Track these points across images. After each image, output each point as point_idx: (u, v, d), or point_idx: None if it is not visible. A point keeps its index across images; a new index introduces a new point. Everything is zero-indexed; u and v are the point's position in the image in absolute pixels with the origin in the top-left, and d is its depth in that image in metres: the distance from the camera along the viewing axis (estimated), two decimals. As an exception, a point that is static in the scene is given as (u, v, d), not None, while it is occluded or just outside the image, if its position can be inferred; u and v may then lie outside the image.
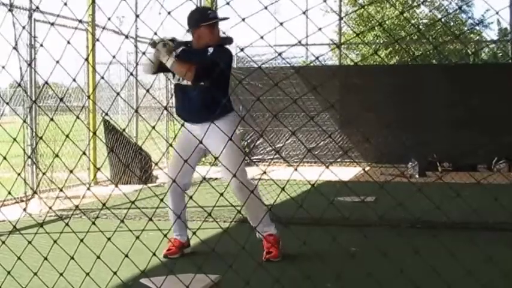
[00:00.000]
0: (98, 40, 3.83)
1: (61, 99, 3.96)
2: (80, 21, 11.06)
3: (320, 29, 3.68)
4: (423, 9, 24.55)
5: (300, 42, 3.90)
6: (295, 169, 3.56)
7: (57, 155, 4.13)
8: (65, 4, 3.71)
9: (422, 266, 4.92)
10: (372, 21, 23.09)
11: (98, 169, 5.54)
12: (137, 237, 3.83)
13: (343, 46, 19.82)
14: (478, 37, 24.77)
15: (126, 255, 3.85)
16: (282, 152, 15.60)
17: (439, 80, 14.71)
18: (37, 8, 8.83)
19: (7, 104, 5.52)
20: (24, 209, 8.03)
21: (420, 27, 24.29)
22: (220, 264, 4.42)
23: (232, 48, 6.72)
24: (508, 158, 14.04)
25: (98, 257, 3.93)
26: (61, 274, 4.14)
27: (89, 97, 9.53)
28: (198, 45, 5.88)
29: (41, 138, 4.32)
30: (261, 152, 15.96)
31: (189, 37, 6.00)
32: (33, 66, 9.60)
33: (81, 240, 3.99)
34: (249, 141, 16.04)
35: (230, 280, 4.90)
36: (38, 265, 4.37)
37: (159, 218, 7.58)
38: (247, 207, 5.84)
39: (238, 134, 6.07)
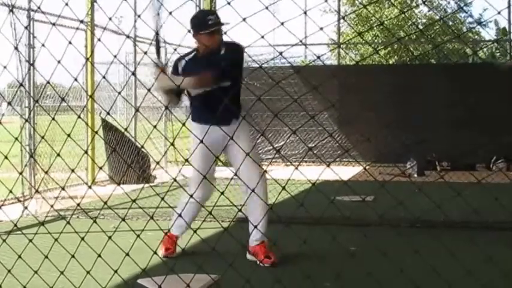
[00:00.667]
0: (99, 40, 3.83)
1: (63, 99, 3.97)
2: (82, 21, 11.07)
3: (321, 28, 3.67)
4: (422, 8, 24.56)
5: (301, 41, 3.88)
6: (296, 168, 3.56)
7: (58, 154, 4.14)
8: (66, 4, 3.71)
9: (421, 266, 4.92)
10: (371, 21, 23.09)
11: (100, 168, 5.55)
12: (138, 236, 3.82)
13: (342, 46, 19.81)
14: (476, 37, 24.78)
15: (127, 254, 3.84)
16: (283, 151, 15.60)
17: (437, 79, 14.72)
18: (39, 8, 8.78)
19: (9, 104, 5.51)
20: (26, 207, 8.04)
21: (419, 26, 24.28)
22: (220, 263, 4.42)
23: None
24: (507, 157, 14.05)
25: (99, 256, 3.93)
26: (61, 273, 4.14)
27: (90, 96, 9.52)
28: (201, 51, 5.88)
29: (42, 137, 4.32)
30: (260, 151, 15.96)
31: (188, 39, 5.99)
32: (32, 65, 9.59)
33: (82, 239, 3.99)
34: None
35: (230, 279, 4.90)
36: (37, 264, 4.37)
37: (157, 218, 7.58)
38: (262, 207, 5.88)
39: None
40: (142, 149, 11.96)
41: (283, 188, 3.81)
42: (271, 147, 15.77)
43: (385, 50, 22.72)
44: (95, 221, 3.99)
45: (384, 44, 22.77)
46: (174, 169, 13.42)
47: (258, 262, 5.89)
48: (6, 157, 3.90)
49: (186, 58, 5.96)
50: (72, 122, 4.18)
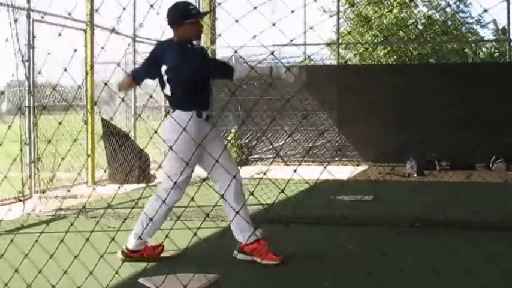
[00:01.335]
0: (102, 48, 3.84)
1: (66, 101, 3.97)
2: (85, 23, 11.08)
3: (319, 28, 3.67)
4: (421, 8, 24.54)
5: (303, 43, 3.89)
6: (295, 171, 3.56)
7: (63, 158, 4.16)
8: (69, 14, 3.71)
9: (421, 265, 4.93)
10: (370, 21, 23.06)
11: (105, 171, 5.56)
12: (139, 237, 3.83)
13: (340, 46, 19.81)
14: (475, 37, 24.76)
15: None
16: (280, 151, 15.59)
17: (437, 79, 14.71)
18: (42, 12, 8.82)
19: (12, 104, 5.52)
20: (33, 209, 8.03)
21: (418, 26, 24.27)
22: (220, 263, 4.43)
23: (228, 48, 6.73)
24: (506, 157, 14.05)
25: (101, 257, 3.94)
26: (65, 272, 4.15)
27: (91, 99, 9.52)
28: (179, 40, 5.75)
29: (49, 142, 4.34)
30: (258, 151, 15.96)
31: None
32: (32, 66, 9.61)
33: (87, 239, 4.00)
34: (246, 141, 16.04)
35: (229, 279, 4.90)
36: (38, 262, 4.37)
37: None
38: (241, 205, 5.57)
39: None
40: (142, 149, 11.96)
41: (282, 190, 3.81)
42: (270, 146, 15.77)
43: (384, 50, 22.72)
44: (97, 222, 3.99)
45: (383, 44, 22.77)
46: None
47: (259, 260, 5.65)
48: (15, 159, 3.92)
49: (168, 49, 5.80)
50: (72, 121, 4.20)
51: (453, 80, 14.51)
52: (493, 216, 7.45)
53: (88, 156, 4.14)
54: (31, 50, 9.86)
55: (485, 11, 21.92)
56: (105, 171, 5.15)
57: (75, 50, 3.90)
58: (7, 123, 9.58)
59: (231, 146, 15.21)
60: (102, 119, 12.08)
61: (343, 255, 5.82)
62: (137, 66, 5.39)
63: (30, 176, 9.62)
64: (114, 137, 11.92)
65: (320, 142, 15.51)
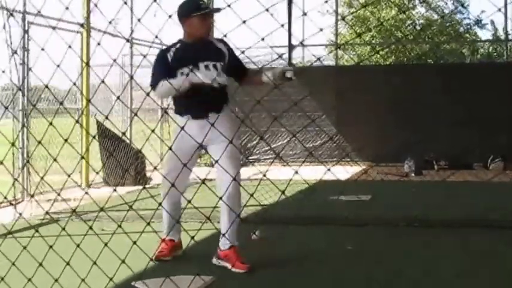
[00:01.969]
0: (98, 44, 3.79)
1: (61, 103, 3.92)
2: (82, 25, 11.03)
3: (321, 29, 3.64)
4: (419, 9, 24.55)
5: (301, 43, 3.85)
6: (296, 172, 3.52)
7: (55, 160, 4.09)
8: (67, 8, 3.66)
9: (419, 265, 4.90)
10: (368, 22, 23.08)
11: (97, 173, 5.51)
12: (134, 242, 3.79)
13: (339, 46, 19.79)
14: (473, 37, 24.77)
15: (123, 261, 3.80)
16: (279, 152, 15.55)
17: (435, 79, 14.69)
18: (39, 12, 8.74)
19: (6, 108, 5.48)
20: (20, 214, 7.97)
21: (416, 27, 24.29)
22: (214, 265, 4.39)
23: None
24: (504, 157, 14.03)
25: (94, 263, 3.88)
26: (56, 280, 4.09)
27: (89, 101, 9.47)
28: (189, 37, 5.75)
29: (39, 142, 4.27)
30: (257, 152, 15.92)
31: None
32: (27, 69, 9.56)
33: (78, 246, 3.94)
34: (245, 141, 15.99)
35: (226, 281, 4.86)
36: (29, 268, 4.32)
37: (152, 220, 7.51)
38: (230, 210, 5.50)
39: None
40: (138, 150, 11.91)
41: (283, 192, 3.77)
42: (268, 147, 15.74)
43: (382, 50, 22.72)
44: (90, 227, 3.93)
45: (382, 45, 22.77)
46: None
47: (230, 267, 5.34)
48: (1, 162, 3.86)
49: (173, 48, 5.79)
50: (66, 124, 4.15)
51: (451, 80, 14.50)
52: (492, 215, 7.42)
53: (82, 157, 4.09)
54: (26, 52, 9.82)
55: (483, 11, 21.93)
56: (97, 173, 5.09)
57: (70, 46, 3.83)
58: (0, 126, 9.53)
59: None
60: (97, 121, 12.03)
61: (341, 256, 5.78)
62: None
63: (22, 180, 9.59)
64: (109, 139, 11.88)
65: (319, 142, 15.48)
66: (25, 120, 9.75)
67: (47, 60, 4.09)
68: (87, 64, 9.46)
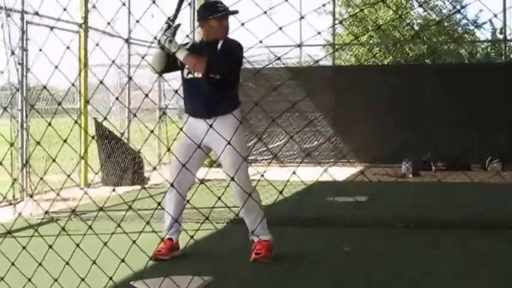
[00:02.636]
0: (97, 45, 3.80)
1: (59, 104, 3.92)
2: (80, 25, 11.03)
3: (319, 32, 3.64)
4: (417, 9, 24.52)
5: (299, 45, 3.86)
6: (294, 172, 3.53)
7: (54, 160, 4.10)
8: (65, 9, 3.67)
9: (417, 266, 4.91)
10: (366, 22, 23.05)
11: (96, 173, 5.51)
12: (134, 242, 3.79)
13: (336, 47, 19.78)
14: (471, 37, 24.77)
15: (123, 260, 3.81)
16: (276, 152, 15.54)
17: (433, 80, 14.69)
18: (37, 13, 8.78)
19: (5, 109, 5.48)
20: (19, 214, 7.98)
21: (414, 27, 24.27)
22: (213, 265, 4.39)
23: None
24: (502, 158, 14.03)
25: (94, 262, 3.89)
26: (55, 280, 4.09)
27: (87, 102, 9.48)
28: (207, 38, 5.95)
29: (38, 143, 4.27)
30: (254, 152, 15.91)
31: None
32: (25, 69, 9.55)
33: (77, 245, 3.94)
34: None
35: (224, 281, 4.86)
36: (29, 267, 4.32)
37: (151, 220, 7.52)
38: (246, 210, 5.76)
39: (244, 131, 5.94)
40: (136, 151, 11.91)
41: (280, 192, 3.77)
42: (265, 148, 15.73)
43: (380, 51, 22.70)
44: (90, 227, 3.94)
45: (379, 45, 22.77)
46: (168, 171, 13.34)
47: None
48: (0, 163, 3.86)
49: (191, 43, 6.10)
50: (65, 123, 4.15)
51: (449, 81, 14.49)
52: (490, 216, 7.43)
53: (81, 158, 4.09)
54: (24, 52, 9.82)
55: (481, 11, 21.95)
56: (96, 174, 5.10)
57: (68, 48, 3.84)
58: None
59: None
60: (96, 121, 12.02)
61: (340, 256, 5.79)
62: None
63: (21, 179, 9.58)
64: (107, 139, 11.87)
65: (316, 143, 15.47)
66: (24, 120, 9.74)
67: (45, 60, 4.09)
68: (86, 65, 9.46)
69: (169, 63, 5.84)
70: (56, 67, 4.03)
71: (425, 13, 24.14)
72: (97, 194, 9.75)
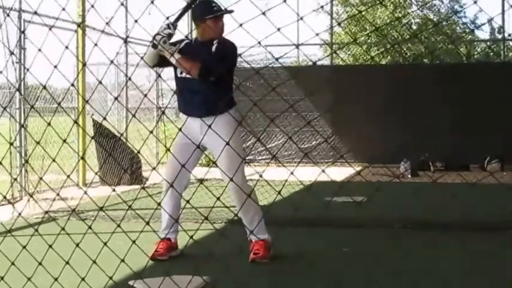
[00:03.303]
0: (96, 45, 3.78)
1: (59, 104, 3.91)
2: (79, 25, 11.01)
3: (317, 34, 3.63)
4: (415, 8, 24.50)
5: (297, 47, 3.85)
6: (292, 173, 3.51)
7: (53, 160, 4.08)
8: (63, 9, 3.66)
9: (415, 266, 4.90)
10: (363, 21, 23.04)
11: (96, 173, 5.50)
12: (133, 242, 3.78)
13: (334, 46, 19.78)
14: (470, 37, 24.77)
15: (122, 260, 3.79)
16: (274, 152, 15.54)
17: (432, 79, 14.69)
18: (35, 12, 8.71)
19: (4, 109, 5.46)
20: (20, 214, 7.94)
21: (412, 26, 24.29)
22: (212, 265, 4.38)
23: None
24: (501, 158, 14.03)
25: (94, 262, 3.87)
26: (55, 279, 4.08)
27: (87, 101, 9.46)
28: (202, 38, 5.93)
29: (38, 143, 4.26)
30: (253, 152, 15.90)
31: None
32: (23, 67, 9.54)
33: (77, 245, 3.93)
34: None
35: (222, 281, 4.85)
36: (28, 266, 4.30)
37: (150, 219, 7.50)
38: (243, 209, 5.77)
39: (240, 131, 5.92)
40: (134, 150, 11.90)
41: (279, 192, 3.76)
42: (264, 148, 15.72)
43: (378, 50, 22.72)
44: (89, 227, 3.92)
45: (376, 44, 22.77)
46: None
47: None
48: (0, 163, 3.85)
49: (186, 41, 6.01)
50: (63, 123, 4.13)
51: (448, 81, 14.50)
52: (490, 216, 7.43)
53: (81, 159, 4.08)
54: (22, 51, 9.80)
55: (481, 10, 21.95)
56: (96, 174, 5.10)
57: (67, 47, 3.82)
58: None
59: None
60: (94, 121, 12.01)
61: (339, 257, 5.78)
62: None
63: (19, 179, 9.56)
64: (106, 138, 11.86)
65: (314, 142, 15.46)
66: (23, 119, 9.73)
67: (43, 58, 4.08)
68: (84, 65, 9.43)
69: (161, 59, 5.83)
70: (55, 67, 4.01)
71: (424, 13, 24.14)
72: (95, 194, 9.74)
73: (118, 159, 11.79)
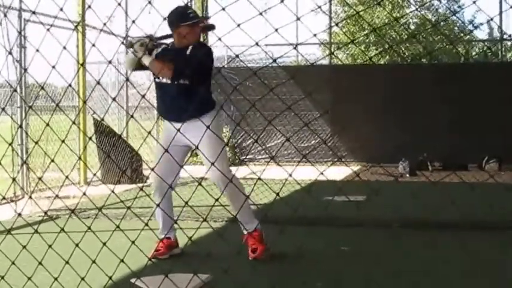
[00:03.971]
0: (93, 45, 3.80)
1: (57, 104, 3.93)
2: (77, 25, 11.02)
3: (315, 35, 3.65)
4: (413, 9, 24.56)
5: (295, 47, 3.87)
6: (290, 175, 3.53)
7: (52, 160, 4.11)
8: (61, 9, 3.68)
9: (414, 266, 4.92)
10: (362, 21, 23.06)
11: (94, 174, 5.52)
12: (133, 242, 3.79)
13: (333, 46, 19.81)
14: (468, 37, 24.80)
15: (122, 260, 3.81)
16: (273, 151, 15.55)
17: (430, 79, 14.71)
18: (34, 12, 8.75)
19: (3, 109, 5.49)
20: (19, 214, 7.96)
21: (411, 26, 24.31)
22: (212, 264, 4.40)
23: (223, 48, 6.65)
24: (499, 157, 14.06)
25: (94, 262, 3.89)
26: (55, 279, 4.10)
27: (84, 102, 9.49)
28: (179, 44, 5.90)
29: (36, 143, 4.28)
30: (252, 151, 15.91)
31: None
32: (24, 66, 9.55)
33: (77, 245, 3.95)
34: (240, 141, 16.00)
35: (222, 280, 4.87)
36: (28, 264, 4.32)
37: (149, 218, 7.52)
38: (232, 204, 5.90)
39: (222, 131, 5.92)
40: (134, 149, 11.93)
41: (277, 194, 3.78)
42: (263, 147, 15.73)
43: (376, 50, 22.75)
44: (89, 228, 3.94)
45: (375, 44, 22.78)
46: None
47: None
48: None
49: (163, 47, 6.01)
50: (63, 121, 4.15)
51: (446, 81, 14.52)
52: (489, 216, 7.45)
53: (79, 158, 4.10)
54: (22, 50, 9.81)
55: (479, 9, 21.95)
56: (95, 174, 5.12)
57: (65, 48, 3.85)
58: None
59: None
60: (94, 119, 12.03)
61: (339, 256, 5.80)
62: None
63: (21, 177, 9.58)
64: (106, 136, 11.88)
65: (313, 142, 15.48)
66: (23, 117, 9.74)
67: (43, 58, 4.10)
68: (83, 64, 9.46)
69: (139, 63, 5.86)
70: (53, 67, 4.03)
71: (422, 13, 24.15)
72: (96, 192, 9.77)
73: (119, 157, 11.82)
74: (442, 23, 24.14)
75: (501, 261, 5.57)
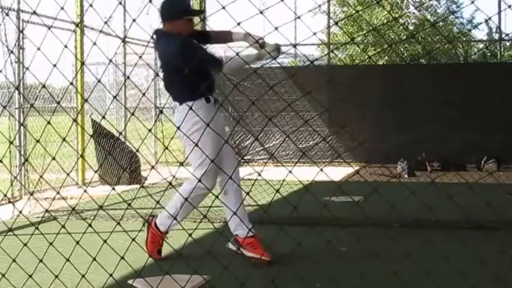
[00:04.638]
0: (94, 44, 3.81)
1: (58, 103, 3.93)
2: (77, 25, 11.02)
3: (315, 33, 3.66)
4: (412, 8, 24.54)
5: (294, 46, 3.88)
6: (290, 171, 3.54)
7: (53, 158, 4.11)
8: (62, 8, 3.68)
9: (413, 267, 4.92)
10: (360, 21, 23.06)
11: (95, 172, 5.53)
12: (133, 239, 3.80)
13: (331, 46, 19.81)
14: (467, 37, 24.80)
15: (122, 257, 3.82)
16: (272, 152, 15.54)
17: (428, 79, 14.72)
18: (33, 13, 8.72)
19: (4, 107, 5.48)
20: (20, 212, 7.97)
21: (409, 27, 24.31)
22: (213, 264, 4.40)
23: (222, 47, 6.64)
24: (497, 158, 14.06)
25: (94, 259, 3.90)
26: (56, 276, 4.11)
27: (86, 100, 9.47)
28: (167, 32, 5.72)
29: (37, 141, 4.29)
30: (251, 152, 15.91)
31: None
32: (22, 67, 9.55)
33: (77, 242, 3.95)
34: (238, 141, 16.00)
35: (222, 280, 4.87)
36: (28, 264, 4.32)
37: (146, 219, 7.53)
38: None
39: (198, 126, 5.56)
40: (133, 150, 11.92)
41: (277, 191, 3.79)
42: (262, 147, 15.74)
43: (375, 50, 22.75)
44: (90, 225, 3.95)
45: (374, 45, 22.78)
46: (165, 170, 13.36)
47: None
48: (0, 161, 3.88)
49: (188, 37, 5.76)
50: (63, 122, 4.15)
51: (444, 81, 14.52)
52: (487, 216, 7.44)
53: (81, 156, 4.09)
54: (21, 50, 9.81)
55: (477, 9, 21.94)
56: (95, 173, 5.11)
57: (66, 46, 3.85)
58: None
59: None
60: (92, 120, 12.03)
61: (338, 256, 5.80)
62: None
63: (20, 178, 9.56)
64: (105, 138, 11.88)
65: (312, 142, 15.48)
66: (22, 118, 9.74)
67: (42, 58, 4.11)
68: (83, 64, 9.46)
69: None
70: (54, 65, 4.04)
71: (421, 13, 24.15)
72: (95, 193, 9.77)
73: (117, 158, 11.81)
74: (440, 23, 24.14)
75: (501, 262, 5.57)
